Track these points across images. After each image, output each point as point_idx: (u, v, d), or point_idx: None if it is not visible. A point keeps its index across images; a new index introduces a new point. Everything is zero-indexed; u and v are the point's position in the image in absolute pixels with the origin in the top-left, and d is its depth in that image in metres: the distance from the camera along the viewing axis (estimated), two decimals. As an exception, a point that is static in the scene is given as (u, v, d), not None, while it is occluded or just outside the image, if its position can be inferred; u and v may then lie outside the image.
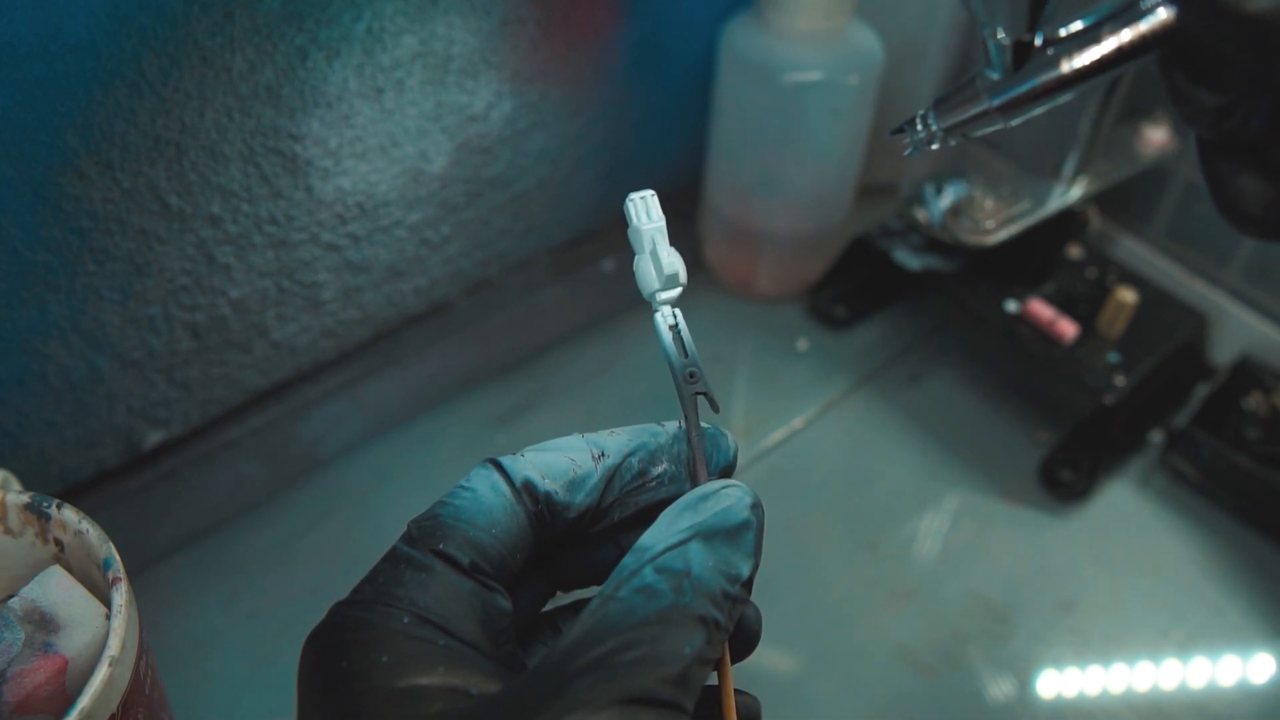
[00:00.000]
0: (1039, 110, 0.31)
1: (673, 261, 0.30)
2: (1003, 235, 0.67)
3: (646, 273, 0.31)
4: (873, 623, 0.60)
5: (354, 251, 0.64)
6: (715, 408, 0.30)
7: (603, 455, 0.30)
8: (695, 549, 0.26)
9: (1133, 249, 0.79)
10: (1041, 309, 0.70)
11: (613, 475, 0.30)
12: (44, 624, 0.36)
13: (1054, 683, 0.58)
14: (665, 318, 0.31)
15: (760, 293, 0.80)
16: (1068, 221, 0.71)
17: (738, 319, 0.79)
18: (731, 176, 0.75)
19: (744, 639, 0.29)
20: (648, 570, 0.25)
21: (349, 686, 0.24)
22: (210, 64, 0.51)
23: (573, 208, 0.76)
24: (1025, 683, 0.58)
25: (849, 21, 0.70)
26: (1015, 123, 0.31)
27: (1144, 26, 0.27)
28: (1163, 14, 0.27)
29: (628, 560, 0.26)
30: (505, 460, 0.29)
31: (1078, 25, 0.29)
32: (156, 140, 0.51)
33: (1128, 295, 0.70)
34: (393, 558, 0.27)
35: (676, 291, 0.31)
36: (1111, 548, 0.65)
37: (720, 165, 0.75)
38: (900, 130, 0.34)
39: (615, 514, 0.30)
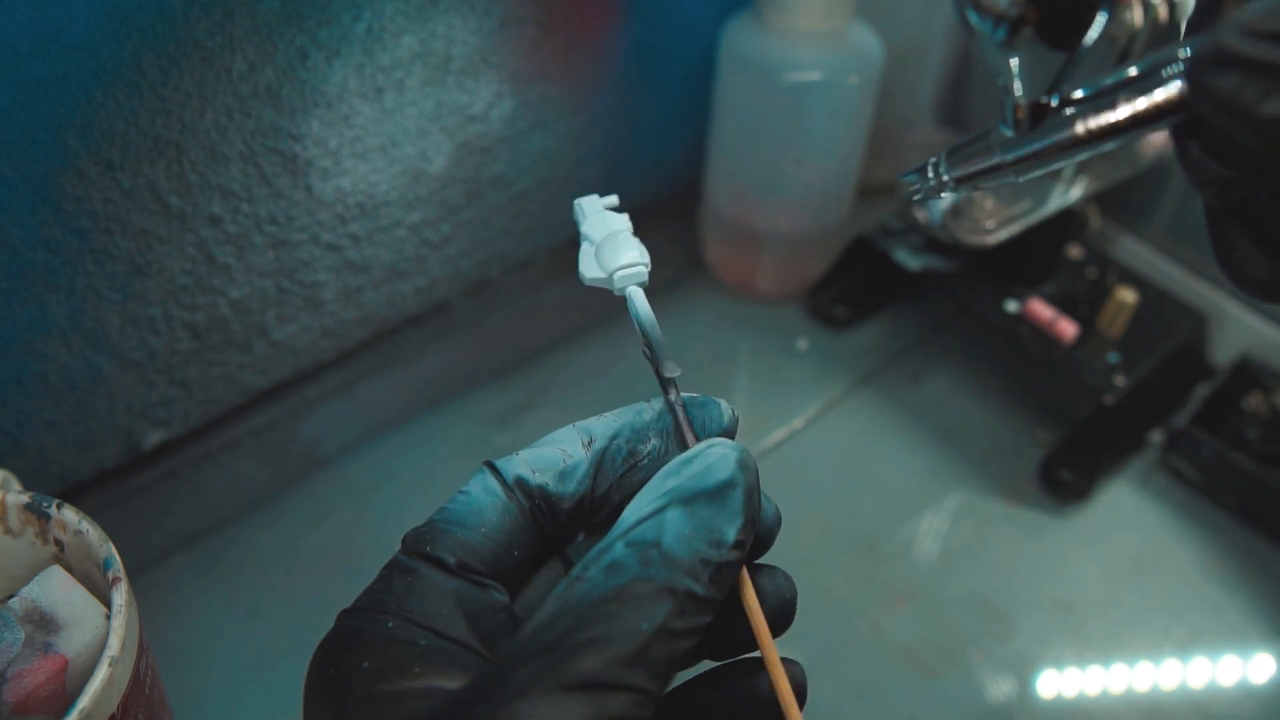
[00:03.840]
0: (1050, 168, 0.31)
1: (596, 260, 0.34)
2: (1003, 235, 0.67)
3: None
4: (873, 623, 0.60)
5: (354, 251, 0.64)
6: (660, 373, 0.29)
7: (591, 441, 0.29)
8: (671, 515, 0.24)
9: (1133, 249, 0.79)
10: (1041, 309, 0.70)
11: (601, 459, 0.29)
12: (44, 624, 0.36)
13: (1054, 683, 0.58)
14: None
15: (760, 293, 0.79)
16: (1068, 221, 0.71)
17: (738, 319, 0.79)
18: (731, 176, 0.75)
19: (779, 611, 0.27)
20: (618, 545, 0.24)
21: (336, 692, 0.25)
22: (210, 64, 0.51)
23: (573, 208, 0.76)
24: (1025, 683, 0.58)
25: (849, 21, 0.70)
26: (1024, 179, 0.32)
27: (1161, 96, 0.27)
28: (1181, 86, 0.27)
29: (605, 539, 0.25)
30: (500, 461, 0.29)
31: (1087, 91, 0.29)
32: (156, 140, 0.51)
33: (1128, 295, 0.70)
34: (387, 566, 0.28)
35: (614, 276, 0.34)
36: (1111, 548, 0.65)
37: (720, 165, 0.75)
38: (910, 176, 0.34)
39: (615, 497, 0.29)
